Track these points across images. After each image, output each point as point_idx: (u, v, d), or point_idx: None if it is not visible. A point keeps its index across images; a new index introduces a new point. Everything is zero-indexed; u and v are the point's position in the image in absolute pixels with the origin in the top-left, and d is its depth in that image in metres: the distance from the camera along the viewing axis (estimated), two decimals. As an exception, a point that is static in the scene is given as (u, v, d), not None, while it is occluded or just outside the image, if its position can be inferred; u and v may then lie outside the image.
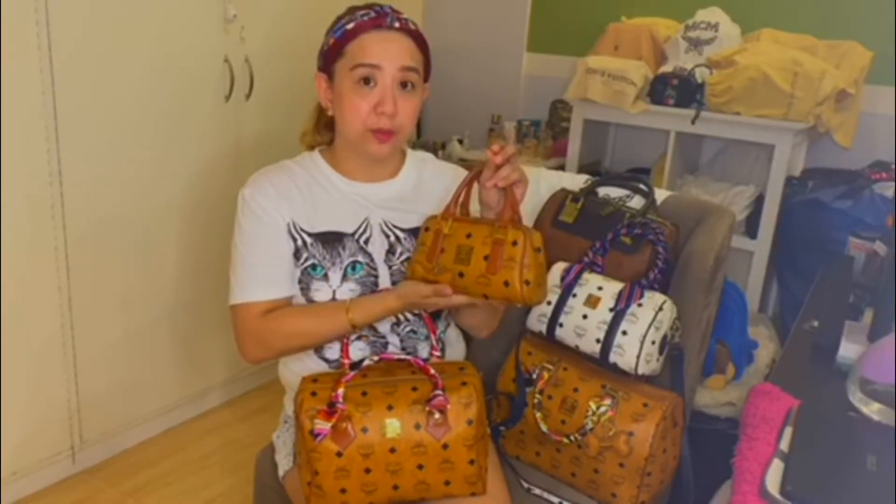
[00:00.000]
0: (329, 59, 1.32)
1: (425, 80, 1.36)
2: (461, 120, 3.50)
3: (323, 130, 1.43)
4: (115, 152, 2.16)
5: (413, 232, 1.39)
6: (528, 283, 1.21)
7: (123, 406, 2.37)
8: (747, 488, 1.07)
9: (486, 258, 1.22)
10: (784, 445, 1.13)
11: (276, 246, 1.33)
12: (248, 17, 2.40)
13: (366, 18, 1.29)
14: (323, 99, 1.36)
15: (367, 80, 1.28)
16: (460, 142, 3.34)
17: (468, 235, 1.25)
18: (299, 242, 1.34)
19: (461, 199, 1.32)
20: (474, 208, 1.35)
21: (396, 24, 1.29)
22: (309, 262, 1.34)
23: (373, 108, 1.28)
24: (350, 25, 1.29)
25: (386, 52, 1.28)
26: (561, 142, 3.14)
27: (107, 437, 2.34)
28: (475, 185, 1.32)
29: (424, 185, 1.44)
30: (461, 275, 1.23)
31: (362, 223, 1.37)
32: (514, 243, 1.21)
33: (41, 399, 2.15)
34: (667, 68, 2.72)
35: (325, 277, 1.34)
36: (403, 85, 1.30)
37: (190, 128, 2.35)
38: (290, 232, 1.34)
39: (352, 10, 1.32)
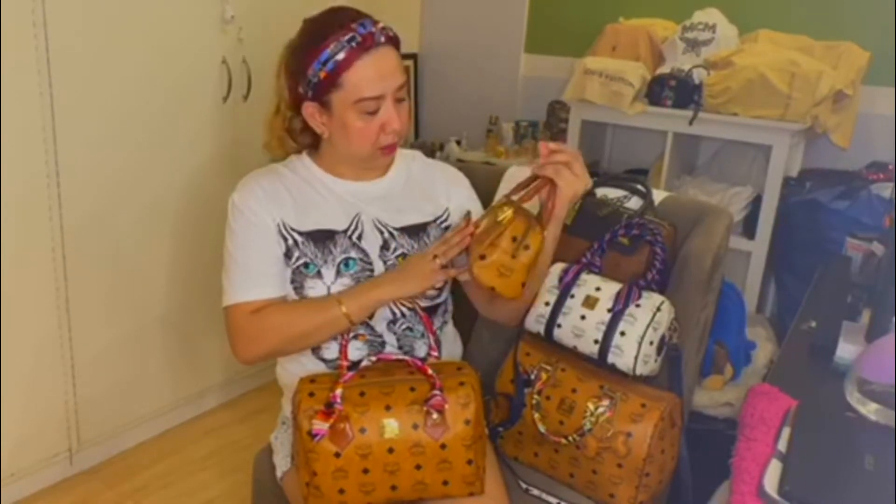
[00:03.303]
0: (322, 90, 1.29)
1: None
2: (459, 121, 3.50)
3: (299, 136, 1.42)
4: (113, 153, 2.16)
5: (405, 230, 1.39)
6: (483, 257, 1.23)
7: (121, 407, 2.37)
8: (745, 489, 1.07)
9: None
10: (782, 446, 1.13)
11: (267, 247, 1.34)
12: (246, 18, 2.40)
13: (354, 45, 1.26)
14: (317, 125, 1.35)
15: (371, 109, 1.29)
16: (458, 143, 3.34)
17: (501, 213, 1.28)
18: (290, 242, 1.34)
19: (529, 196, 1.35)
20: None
21: (382, 39, 1.29)
22: (301, 261, 1.34)
23: (380, 128, 1.30)
24: (340, 56, 1.26)
25: (384, 80, 1.28)
26: (559, 142, 3.14)
27: (104, 438, 2.34)
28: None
29: (414, 183, 1.45)
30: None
31: (353, 220, 1.37)
32: (500, 223, 1.24)
33: (39, 400, 2.14)
34: (664, 69, 2.72)
35: (319, 275, 1.34)
36: (399, 97, 1.32)
37: (187, 129, 2.35)
38: (280, 232, 1.34)
39: (327, 31, 1.27)
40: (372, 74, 1.27)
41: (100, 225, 2.17)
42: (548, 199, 1.31)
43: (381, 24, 1.30)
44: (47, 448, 2.20)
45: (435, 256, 1.30)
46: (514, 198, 1.32)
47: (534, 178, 1.33)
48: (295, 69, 1.32)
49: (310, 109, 1.33)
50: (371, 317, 1.37)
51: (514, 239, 1.23)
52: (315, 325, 1.32)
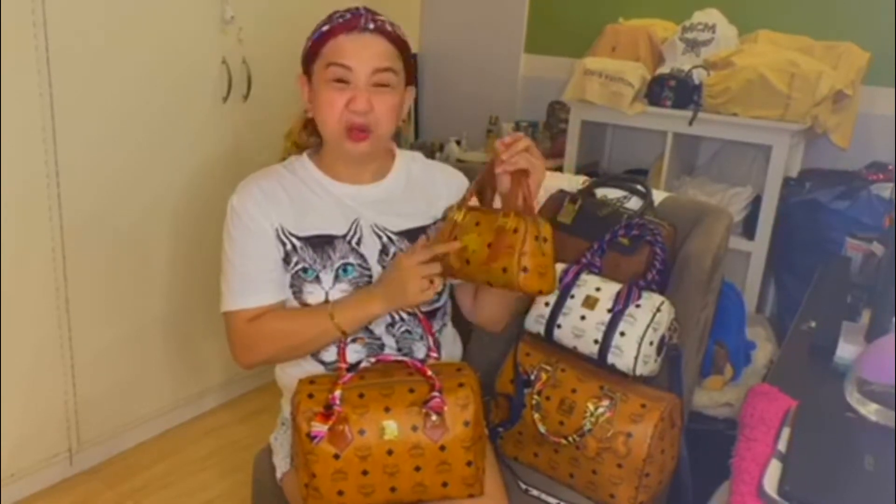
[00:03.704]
0: (308, 61, 1.34)
1: (408, 82, 1.37)
2: (459, 121, 3.50)
3: (312, 133, 1.43)
4: (113, 154, 2.16)
5: (405, 234, 1.39)
6: (525, 269, 1.22)
7: (121, 408, 2.37)
8: (745, 489, 1.07)
9: (489, 245, 1.25)
10: (782, 446, 1.13)
11: (265, 253, 1.34)
12: (245, 19, 2.40)
13: (341, 21, 1.30)
14: (305, 101, 1.38)
15: (340, 80, 1.29)
16: (458, 143, 3.34)
17: (477, 223, 1.28)
18: (288, 247, 1.34)
19: (478, 192, 1.36)
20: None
21: (371, 26, 1.29)
22: (299, 266, 1.34)
23: (346, 104, 1.29)
24: (325, 28, 1.31)
25: (359, 55, 1.28)
26: (559, 143, 3.14)
27: (104, 438, 2.34)
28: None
29: (414, 186, 1.44)
30: (467, 262, 1.27)
31: (352, 225, 1.37)
32: (515, 231, 1.23)
33: (39, 400, 2.14)
34: (664, 69, 2.71)
35: (317, 280, 1.34)
36: (379, 85, 1.30)
37: (187, 129, 2.35)
38: (278, 237, 1.34)
39: (330, 14, 1.33)
40: (347, 48, 1.28)
41: (100, 225, 2.17)
42: (519, 188, 1.30)
43: (378, 16, 1.32)
44: (47, 448, 2.20)
45: (424, 277, 1.28)
46: (468, 199, 1.34)
47: (483, 176, 1.35)
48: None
49: (302, 84, 1.37)
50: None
51: (535, 238, 1.24)
52: (309, 337, 1.33)
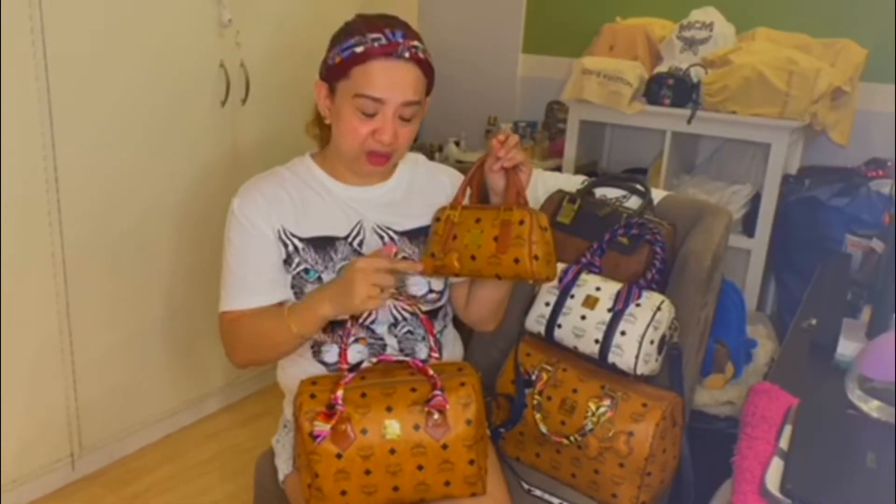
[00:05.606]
0: (333, 75, 1.30)
1: (427, 93, 1.35)
2: (457, 122, 3.50)
3: (323, 127, 1.42)
4: (112, 158, 2.16)
5: (407, 234, 1.39)
6: (536, 258, 1.24)
7: (122, 412, 2.37)
8: (747, 487, 1.07)
9: (495, 239, 1.26)
10: (784, 444, 1.13)
11: (262, 256, 1.34)
12: (243, 22, 2.40)
13: (376, 45, 1.25)
14: (322, 107, 1.35)
15: (368, 109, 1.27)
16: (457, 144, 3.34)
17: (477, 220, 1.29)
18: (290, 248, 1.34)
19: (470, 189, 1.37)
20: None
21: (406, 55, 1.26)
22: (301, 267, 1.34)
23: (371, 133, 1.28)
24: (359, 49, 1.25)
25: (391, 87, 1.26)
26: (557, 143, 3.15)
27: (106, 443, 2.34)
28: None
29: (417, 187, 1.44)
30: (473, 258, 1.28)
31: (355, 226, 1.37)
32: (521, 222, 1.25)
33: (40, 406, 2.14)
34: (662, 68, 2.72)
35: (319, 281, 1.34)
36: (405, 116, 1.30)
37: (186, 133, 2.35)
38: (280, 238, 1.34)
39: (362, 27, 1.27)
40: (380, 78, 1.26)
41: (99, 229, 2.17)
42: (513, 183, 1.31)
43: (415, 43, 1.28)
44: (49, 453, 2.20)
45: (374, 285, 1.21)
46: (461, 199, 1.36)
47: (471, 176, 1.36)
48: (325, 54, 1.34)
49: (319, 88, 1.34)
50: (373, 321, 1.37)
51: (541, 228, 1.26)
52: (275, 340, 1.33)
